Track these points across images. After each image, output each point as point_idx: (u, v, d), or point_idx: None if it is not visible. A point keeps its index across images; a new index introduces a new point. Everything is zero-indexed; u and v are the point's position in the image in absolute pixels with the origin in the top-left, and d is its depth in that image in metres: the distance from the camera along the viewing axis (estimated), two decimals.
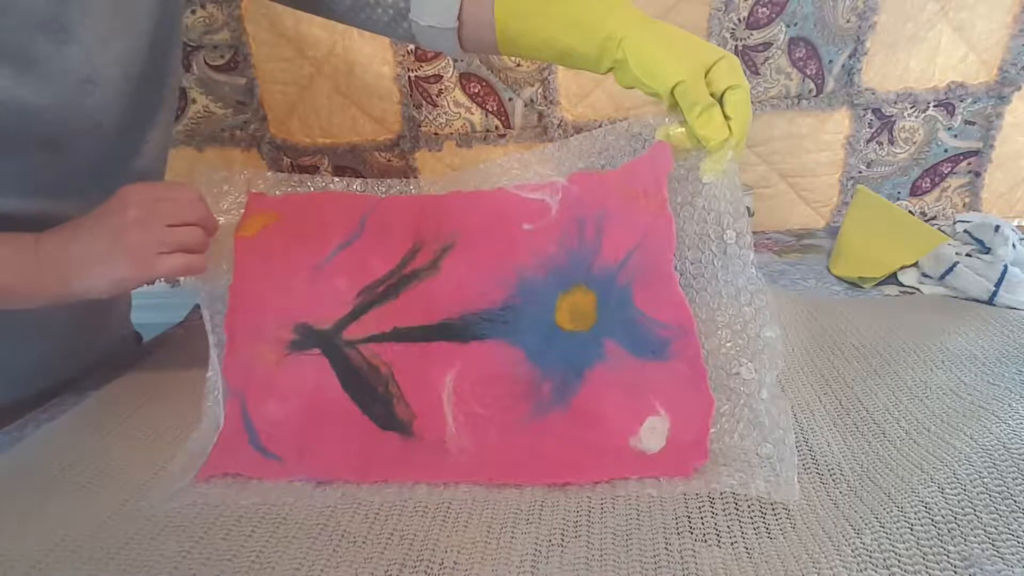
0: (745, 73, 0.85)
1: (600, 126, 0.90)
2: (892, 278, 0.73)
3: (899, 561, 0.34)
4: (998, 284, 0.64)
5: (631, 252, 0.49)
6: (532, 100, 0.91)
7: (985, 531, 0.36)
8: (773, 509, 0.39)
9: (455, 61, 0.89)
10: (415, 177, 0.60)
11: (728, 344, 0.46)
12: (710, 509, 0.39)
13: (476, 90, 0.91)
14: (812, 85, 0.87)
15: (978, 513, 0.37)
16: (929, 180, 0.92)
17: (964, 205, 0.93)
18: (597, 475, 0.42)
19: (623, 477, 0.42)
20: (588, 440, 0.45)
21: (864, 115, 0.88)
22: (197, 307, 0.79)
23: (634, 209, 0.50)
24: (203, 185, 0.57)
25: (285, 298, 0.53)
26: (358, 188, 0.60)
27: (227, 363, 0.52)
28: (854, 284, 0.73)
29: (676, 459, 0.42)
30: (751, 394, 0.44)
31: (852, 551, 0.35)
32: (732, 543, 0.37)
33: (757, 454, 0.41)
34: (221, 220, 0.56)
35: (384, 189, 0.60)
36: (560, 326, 0.50)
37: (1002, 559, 0.34)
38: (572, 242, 0.52)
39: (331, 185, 0.60)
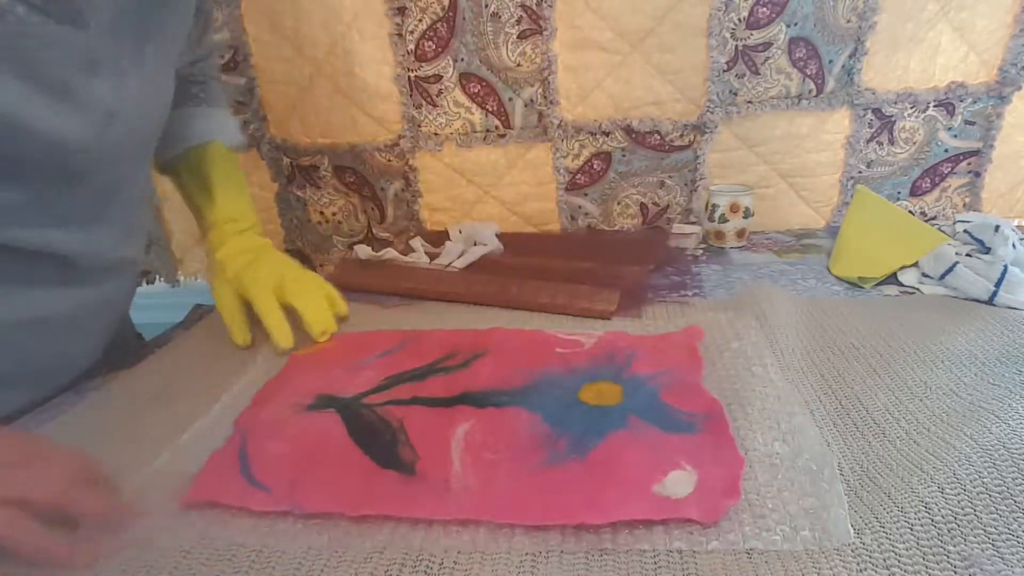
0: (745, 73, 0.86)
1: (600, 126, 0.91)
2: (892, 278, 0.73)
3: (899, 561, 0.34)
4: (998, 284, 0.64)
5: (660, 373, 0.54)
6: (532, 100, 0.91)
7: (985, 531, 0.36)
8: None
9: (455, 61, 0.90)
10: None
11: (759, 435, 0.45)
12: None
13: (476, 90, 0.91)
14: (812, 85, 0.87)
15: (978, 513, 0.37)
16: (929, 180, 0.92)
17: (964, 205, 0.93)
18: (615, 515, 0.38)
19: (646, 519, 0.38)
20: (606, 483, 0.41)
21: (864, 115, 0.88)
22: (197, 307, 0.79)
23: (665, 350, 0.58)
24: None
25: (315, 380, 0.57)
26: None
27: (242, 415, 0.52)
28: (854, 284, 0.73)
29: (705, 502, 0.39)
30: (788, 458, 0.43)
31: (852, 551, 0.35)
32: (732, 541, 0.37)
33: (800, 507, 0.38)
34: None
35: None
36: (584, 402, 0.51)
37: (1002, 559, 0.34)
38: (601, 362, 0.57)
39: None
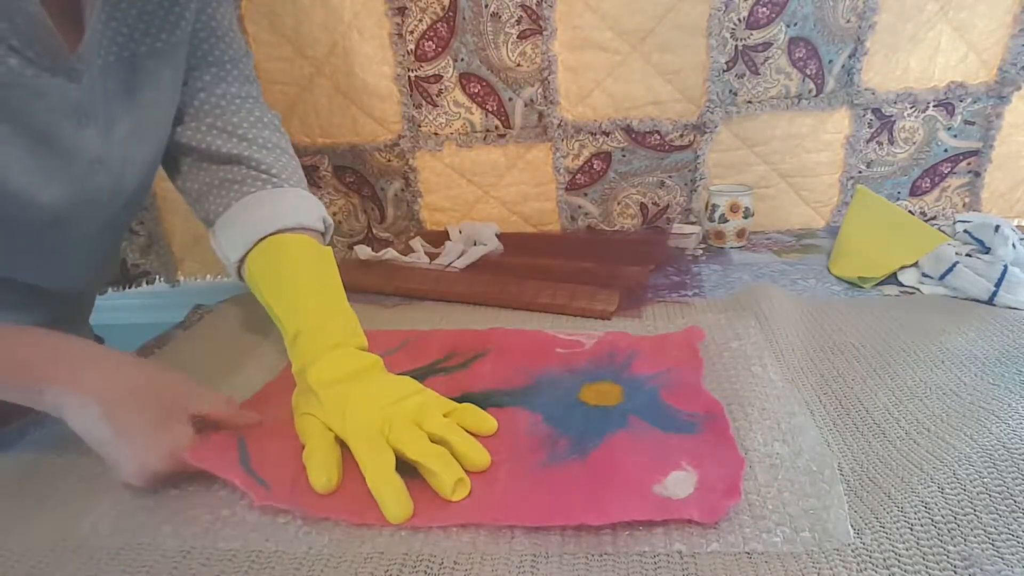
0: (745, 73, 0.86)
1: (600, 126, 0.91)
2: (892, 278, 0.73)
3: (899, 561, 0.34)
4: (998, 284, 0.64)
5: (660, 373, 0.54)
6: (532, 100, 0.91)
7: (985, 531, 0.36)
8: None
9: (455, 61, 0.89)
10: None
11: (759, 435, 0.45)
12: None
13: (476, 90, 0.91)
14: (812, 85, 0.87)
15: (978, 513, 0.37)
16: (929, 180, 0.92)
17: (964, 205, 0.93)
18: (616, 516, 0.38)
19: (647, 519, 0.38)
20: (606, 484, 0.41)
21: (864, 115, 0.88)
22: (197, 307, 0.79)
23: (665, 350, 0.58)
24: None
25: None
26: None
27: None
28: (854, 284, 0.73)
29: (706, 502, 0.39)
30: (788, 459, 0.43)
31: (852, 551, 0.35)
32: (732, 543, 0.37)
33: (800, 508, 0.39)
34: None
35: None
36: (584, 402, 0.51)
37: (1002, 559, 0.34)
38: (602, 363, 0.57)
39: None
